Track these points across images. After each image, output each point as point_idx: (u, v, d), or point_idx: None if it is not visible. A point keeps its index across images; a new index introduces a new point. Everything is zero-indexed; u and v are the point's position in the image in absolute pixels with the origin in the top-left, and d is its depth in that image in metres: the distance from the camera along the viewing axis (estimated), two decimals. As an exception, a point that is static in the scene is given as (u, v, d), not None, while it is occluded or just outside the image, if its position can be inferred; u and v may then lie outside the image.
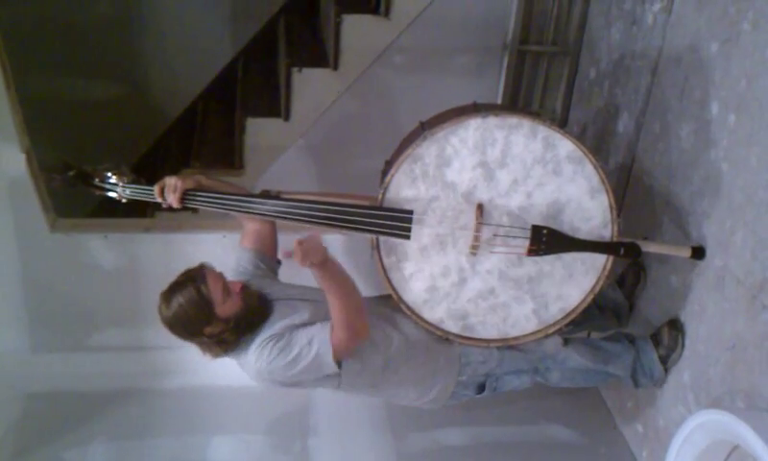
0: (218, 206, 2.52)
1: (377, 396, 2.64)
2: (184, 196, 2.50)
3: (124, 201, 2.64)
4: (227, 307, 2.30)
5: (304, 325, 2.38)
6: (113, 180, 2.61)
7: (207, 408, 3.37)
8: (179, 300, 2.25)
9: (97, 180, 2.63)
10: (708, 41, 2.65)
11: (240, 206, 2.53)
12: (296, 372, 2.33)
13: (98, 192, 2.65)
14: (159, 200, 2.53)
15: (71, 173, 2.61)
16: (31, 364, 3.46)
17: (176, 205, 2.51)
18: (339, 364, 2.33)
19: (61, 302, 3.42)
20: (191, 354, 3.14)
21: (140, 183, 2.62)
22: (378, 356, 2.47)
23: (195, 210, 2.55)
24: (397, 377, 2.54)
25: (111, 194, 2.64)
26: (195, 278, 2.28)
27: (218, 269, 2.38)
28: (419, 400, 2.62)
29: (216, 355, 2.40)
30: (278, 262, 2.76)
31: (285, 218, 2.48)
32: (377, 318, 2.53)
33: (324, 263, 2.23)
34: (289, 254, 2.21)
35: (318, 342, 2.29)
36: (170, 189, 2.49)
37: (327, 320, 2.34)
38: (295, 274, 2.53)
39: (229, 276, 2.49)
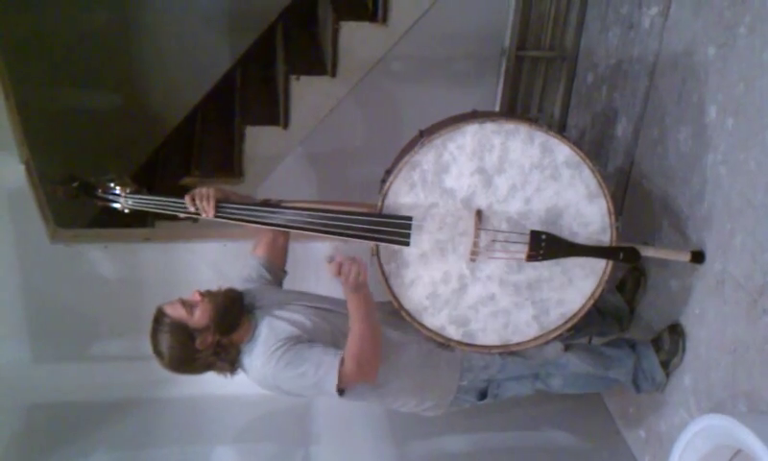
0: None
1: (378, 402, 2.64)
2: (216, 206, 2.50)
3: (127, 211, 2.63)
4: (198, 317, 2.36)
5: (310, 335, 2.39)
6: (117, 190, 2.61)
7: (209, 417, 3.36)
8: (161, 344, 2.36)
9: (100, 191, 2.63)
10: (706, 45, 2.65)
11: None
12: (299, 386, 2.38)
13: (101, 203, 2.65)
14: (192, 209, 2.51)
15: (75, 184, 2.61)
16: (32, 375, 3.45)
17: (211, 213, 2.50)
18: (341, 390, 2.34)
19: (62, 312, 3.42)
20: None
21: (142, 194, 2.62)
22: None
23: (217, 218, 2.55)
24: (398, 383, 2.54)
25: (115, 205, 2.63)
26: (157, 319, 2.39)
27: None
28: (419, 407, 2.62)
29: (231, 369, 2.47)
30: (285, 272, 2.82)
31: (286, 227, 2.49)
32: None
33: (358, 290, 2.26)
34: (331, 261, 2.24)
35: (325, 369, 2.29)
36: (203, 198, 2.49)
37: (333, 332, 2.38)
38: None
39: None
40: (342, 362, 2.27)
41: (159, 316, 2.38)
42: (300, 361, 2.32)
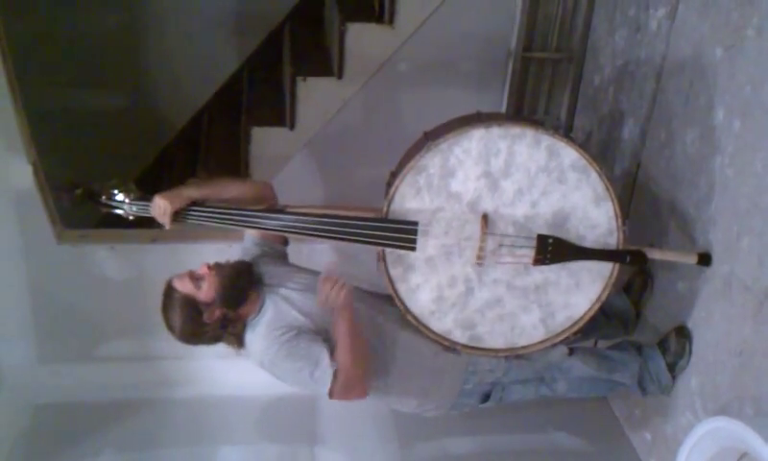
0: (217, 221, 2.55)
1: (380, 400, 2.65)
2: (176, 217, 2.53)
3: (131, 218, 2.65)
4: (206, 291, 2.40)
5: (316, 322, 2.43)
6: (120, 197, 2.62)
7: (215, 418, 3.36)
8: (171, 319, 2.43)
9: (104, 197, 2.63)
10: (713, 47, 2.65)
11: (244, 221, 2.54)
12: (293, 379, 2.43)
13: (105, 210, 2.66)
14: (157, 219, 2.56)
15: (78, 191, 2.62)
16: (38, 375, 3.46)
17: (168, 227, 2.53)
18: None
19: (69, 312, 3.43)
20: (198, 364, 3.17)
21: (147, 200, 2.62)
22: (382, 363, 2.49)
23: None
24: (402, 383, 2.55)
25: (118, 211, 2.64)
26: (167, 294, 2.45)
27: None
28: (420, 408, 2.63)
29: (238, 342, 2.51)
30: (286, 242, 2.85)
31: (291, 232, 2.50)
32: (384, 318, 2.56)
33: (342, 310, 2.34)
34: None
35: (320, 375, 2.32)
36: (159, 213, 2.52)
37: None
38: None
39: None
40: (334, 376, 2.30)
41: (169, 291, 2.44)
42: (298, 356, 2.36)
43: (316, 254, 3.24)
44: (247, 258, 2.69)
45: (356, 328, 2.37)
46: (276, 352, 2.38)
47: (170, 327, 2.45)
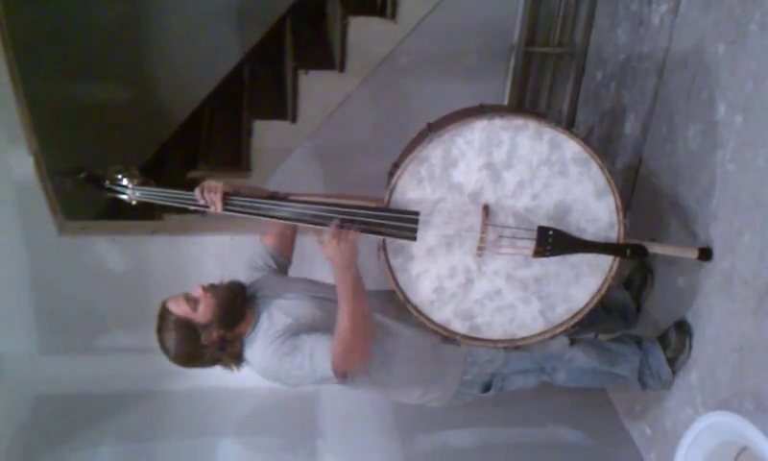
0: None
1: (381, 393, 2.64)
2: (224, 199, 2.47)
3: (134, 203, 2.63)
4: (203, 312, 2.37)
5: (311, 325, 2.40)
6: (124, 182, 2.61)
7: (215, 410, 3.37)
8: (167, 342, 2.40)
9: (107, 182, 2.62)
10: (715, 42, 2.65)
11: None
12: (298, 376, 2.38)
13: (108, 195, 2.65)
14: (201, 201, 2.47)
15: (82, 175, 2.60)
16: (39, 366, 3.47)
17: (219, 207, 2.46)
18: (344, 375, 2.34)
19: (69, 304, 3.44)
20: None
21: (149, 186, 2.62)
22: (382, 355, 2.49)
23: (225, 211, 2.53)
24: (402, 376, 2.55)
25: (122, 196, 2.63)
26: (162, 316, 2.42)
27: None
28: (422, 399, 2.63)
29: (236, 363, 2.49)
30: (289, 262, 2.83)
31: (293, 221, 2.49)
32: (383, 316, 2.54)
33: (347, 267, 2.27)
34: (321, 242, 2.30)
35: (319, 354, 2.30)
36: (211, 190, 2.46)
37: (329, 321, 2.37)
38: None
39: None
40: (332, 345, 2.27)
41: (164, 313, 2.41)
42: (295, 351, 2.33)
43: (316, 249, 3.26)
44: (249, 270, 2.68)
45: (357, 291, 2.29)
46: (272, 356, 2.36)
47: (165, 350, 2.42)
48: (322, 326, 2.41)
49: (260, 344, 2.41)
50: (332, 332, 2.30)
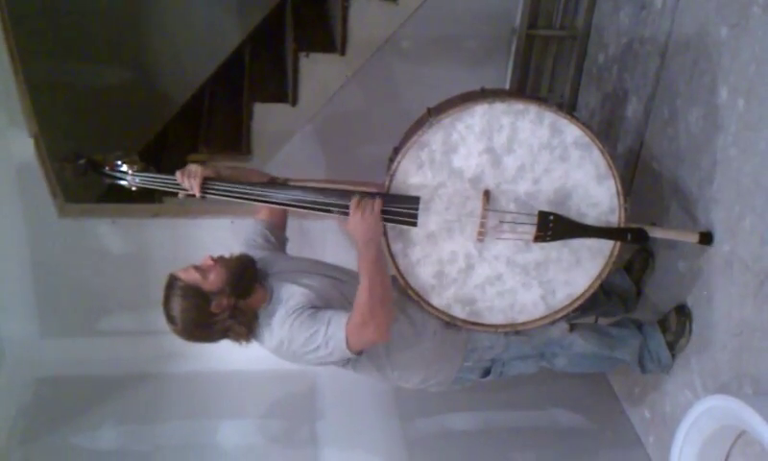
0: (233, 196, 2.51)
1: (382, 378, 2.65)
2: (204, 183, 2.48)
3: (134, 189, 2.63)
4: (212, 280, 2.33)
5: (328, 301, 2.40)
6: (123, 168, 2.60)
7: (216, 392, 3.39)
8: (174, 309, 2.32)
9: (107, 168, 2.62)
10: (718, 26, 2.63)
11: (253, 196, 2.51)
12: (312, 349, 2.33)
13: (108, 180, 2.65)
14: (183, 185, 2.49)
15: (81, 161, 2.60)
16: (40, 349, 3.48)
17: (197, 191, 2.47)
18: (359, 351, 2.34)
19: (70, 287, 3.44)
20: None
21: (149, 171, 2.61)
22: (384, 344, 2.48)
23: (203, 197, 2.54)
24: (403, 361, 2.55)
25: (122, 182, 2.63)
26: (170, 285, 2.35)
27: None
28: (422, 384, 2.64)
29: (247, 334, 2.42)
30: (286, 237, 2.84)
31: (291, 206, 2.49)
32: None
33: (371, 238, 2.29)
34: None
35: (335, 326, 2.27)
36: (190, 175, 2.47)
37: (342, 301, 2.39)
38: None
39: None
40: (349, 320, 2.25)
41: (172, 281, 2.34)
42: (312, 322, 2.31)
43: (319, 233, 3.26)
44: (249, 250, 2.64)
45: (379, 265, 2.29)
46: (290, 327, 2.32)
47: (171, 319, 2.34)
48: (336, 306, 2.40)
49: (279, 316, 2.36)
50: (348, 311, 2.30)
